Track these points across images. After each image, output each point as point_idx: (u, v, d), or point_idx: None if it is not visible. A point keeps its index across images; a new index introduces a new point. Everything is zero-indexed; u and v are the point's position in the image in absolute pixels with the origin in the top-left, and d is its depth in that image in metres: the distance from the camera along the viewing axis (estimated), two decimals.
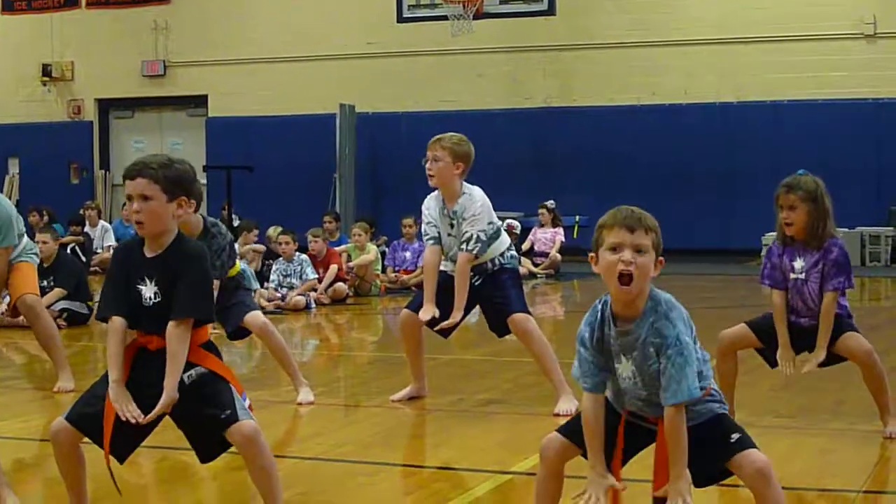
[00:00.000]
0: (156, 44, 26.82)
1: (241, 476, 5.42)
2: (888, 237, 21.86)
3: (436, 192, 8.21)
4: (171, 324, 4.83)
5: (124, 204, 5.00)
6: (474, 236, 7.97)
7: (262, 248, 17.01)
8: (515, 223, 20.85)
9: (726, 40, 23.09)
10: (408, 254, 18.07)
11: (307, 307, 15.16)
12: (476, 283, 8.09)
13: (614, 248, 4.31)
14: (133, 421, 4.84)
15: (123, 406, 4.84)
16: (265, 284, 15.51)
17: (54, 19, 27.31)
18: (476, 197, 8.06)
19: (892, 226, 22.01)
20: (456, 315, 8.02)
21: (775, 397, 8.45)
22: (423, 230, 8.28)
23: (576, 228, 22.16)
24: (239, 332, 8.39)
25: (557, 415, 7.85)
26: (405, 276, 17.73)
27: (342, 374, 10.82)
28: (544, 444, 4.65)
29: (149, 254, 4.95)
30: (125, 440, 4.99)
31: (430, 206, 8.22)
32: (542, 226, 21.28)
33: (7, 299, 8.91)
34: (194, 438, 5.01)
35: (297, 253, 15.56)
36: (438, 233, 8.16)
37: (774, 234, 7.32)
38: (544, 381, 8.38)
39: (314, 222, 17.93)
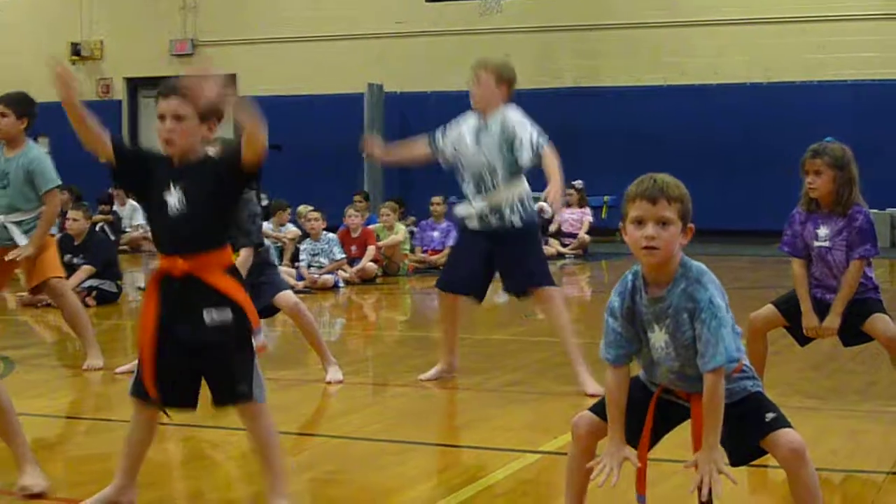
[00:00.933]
0: (184, 23, 26.85)
1: None
2: None
3: (472, 112, 8.19)
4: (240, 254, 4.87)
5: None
6: (535, 136, 8.00)
7: (297, 232, 16.99)
8: (547, 208, 20.79)
9: (756, 20, 22.98)
10: (436, 233, 18.07)
11: (335, 286, 15.18)
12: (493, 224, 8.05)
13: (639, 222, 4.26)
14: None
15: None
16: (296, 264, 15.53)
17: None
18: (511, 111, 8.07)
19: None
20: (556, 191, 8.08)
21: (804, 378, 8.43)
22: (438, 130, 8.30)
23: (604, 209, 22.13)
24: (268, 310, 8.40)
25: (588, 394, 7.82)
26: (433, 256, 17.74)
27: (371, 353, 10.83)
28: (575, 422, 4.63)
29: (177, 164, 4.99)
30: (176, 388, 4.99)
31: (460, 119, 8.23)
32: (569, 206, 21.24)
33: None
34: (210, 382, 5.02)
35: (325, 232, 15.55)
36: (444, 144, 8.22)
37: None
38: (569, 361, 8.37)
39: (343, 201, 17.93)
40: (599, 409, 4.57)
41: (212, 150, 7.47)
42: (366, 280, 15.84)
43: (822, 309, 7.12)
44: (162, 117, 4.97)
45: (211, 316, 4.86)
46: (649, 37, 23.57)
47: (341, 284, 15.31)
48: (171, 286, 4.92)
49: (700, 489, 4.29)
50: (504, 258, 8.11)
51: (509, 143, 8.00)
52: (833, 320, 7.02)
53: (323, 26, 25.35)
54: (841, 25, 22.48)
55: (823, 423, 7.15)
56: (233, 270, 5.00)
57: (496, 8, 21.98)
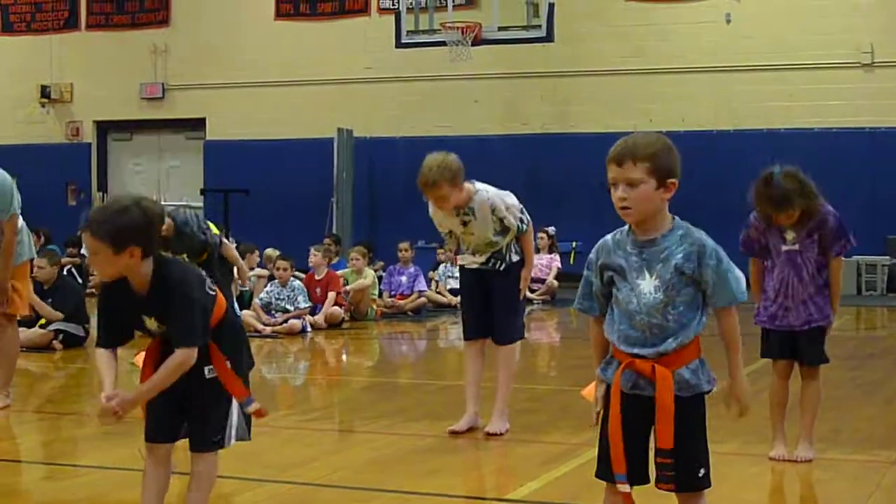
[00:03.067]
0: (155, 66, 26.86)
1: (239, 502, 5.40)
2: (884, 266, 21.88)
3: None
4: (176, 352, 4.95)
5: None
6: (521, 218, 8.32)
7: (265, 272, 17.00)
8: None
9: (723, 68, 23.15)
10: (403, 278, 18.09)
11: (303, 331, 15.16)
12: (499, 268, 8.28)
13: (613, 184, 4.43)
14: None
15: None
16: (253, 300, 15.59)
17: (53, 41, 27.35)
18: (487, 193, 8.25)
19: (889, 255, 22.03)
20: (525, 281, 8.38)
21: (769, 426, 8.43)
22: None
23: (572, 255, 22.19)
24: None
25: (489, 434, 7.98)
26: (401, 301, 17.77)
27: (337, 398, 10.81)
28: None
29: (140, 292, 5.04)
30: (161, 426, 5.17)
31: (436, 211, 8.34)
32: (538, 251, 21.28)
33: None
34: (191, 427, 5.18)
35: (292, 278, 15.57)
36: (449, 230, 8.39)
37: None
38: (539, 407, 8.42)
39: (311, 246, 17.94)
40: (602, 473, 4.57)
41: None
42: (333, 325, 15.83)
43: (784, 339, 7.19)
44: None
45: (210, 370, 5.08)
46: (618, 84, 23.71)
47: (308, 329, 15.30)
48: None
49: (663, 461, 4.42)
50: (497, 299, 8.32)
51: (501, 223, 8.26)
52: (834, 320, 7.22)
53: (293, 71, 25.40)
54: (808, 74, 22.66)
55: (788, 471, 7.16)
56: (226, 340, 5.16)
57: (465, 54, 22.06)
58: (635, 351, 4.45)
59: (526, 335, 9.56)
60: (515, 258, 8.31)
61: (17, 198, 9.06)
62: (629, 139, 4.47)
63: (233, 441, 5.19)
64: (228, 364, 5.11)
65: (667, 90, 23.41)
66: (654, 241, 4.45)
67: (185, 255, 9.84)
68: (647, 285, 4.44)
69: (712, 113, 23.20)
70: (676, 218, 4.50)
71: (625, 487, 4.47)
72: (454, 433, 8.18)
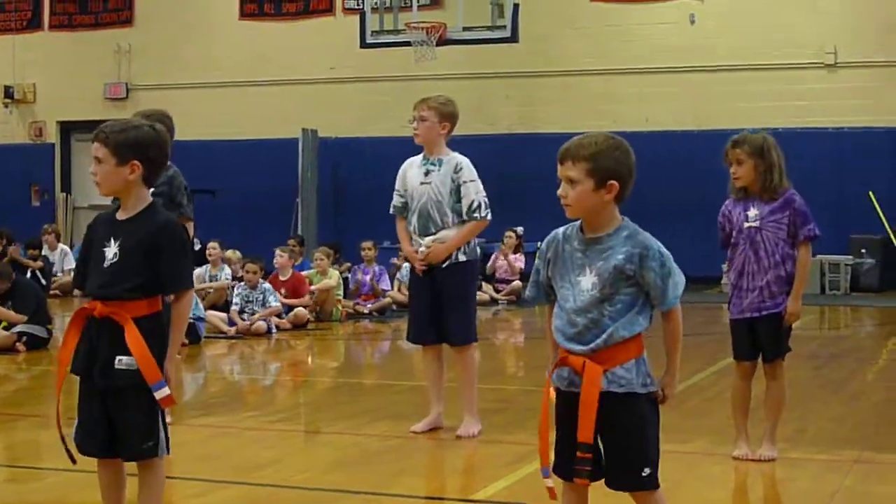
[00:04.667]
0: (118, 66, 26.74)
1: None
2: (847, 265, 21.96)
3: (415, 157, 8.27)
4: (173, 303, 4.95)
5: None
6: (481, 203, 8.08)
7: (225, 284, 16.92)
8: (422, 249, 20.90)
9: (687, 69, 23.20)
10: (368, 277, 18.07)
11: (268, 332, 15.13)
12: (443, 266, 8.10)
13: (560, 181, 4.54)
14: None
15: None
16: (230, 307, 15.51)
17: (16, 41, 27.17)
18: (468, 163, 8.16)
19: (852, 254, 22.13)
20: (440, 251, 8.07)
21: (733, 426, 8.47)
22: (393, 201, 8.32)
23: (537, 255, 22.19)
24: None
25: (460, 437, 7.94)
26: (365, 301, 17.77)
27: (302, 399, 10.79)
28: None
29: (120, 216, 5.03)
30: (90, 434, 5.02)
31: (406, 168, 8.29)
32: (503, 251, 21.32)
33: None
34: (119, 434, 5.02)
35: (261, 281, 15.53)
36: (404, 202, 8.22)
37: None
38: (506, 407, 8.43)
39: (277, 246, 17.91)
40: (559, 472, 4.60)
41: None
42: (298, 325, 15.80)
43: (744, 332, 7.22)
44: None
45: (120, 360, 4.90)
46: (583, 85, 23.74)
47: (274, 330, 15.26)
48: (91, 327, 4.97)
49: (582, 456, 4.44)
50: (449, 301, 8.17)
51: (457, 191, 8.09)
52: (795, 305, 7.17)
53: (258, 71, 25.34)
54: (771, 74, 22.73)
55: (752, 470, 7.18)
56: (152, 319, 4.98)
57: (430, 55, 22.03)
58: (570, 346, 4.50)
59: (497, 336, 9.55)
60: (462, 258, 8.16)
61: None
62: (575, 139, 4.57)
63: (165, 452, 5.02)
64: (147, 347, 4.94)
65: (631, 91, 23.45)
66: (599, 240, 4.51)
67: None
68: (586, 282, 4.49)
69: (677, 113, 23.25)
70: (626, 219, 4.56)
71: (548, 482, 4.54)
72: (415, 433, 8.18)
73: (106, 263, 4.96)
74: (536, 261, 4.69)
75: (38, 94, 27.38)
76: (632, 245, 4.47)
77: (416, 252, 8.12)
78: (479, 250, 8.48)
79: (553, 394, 4.59)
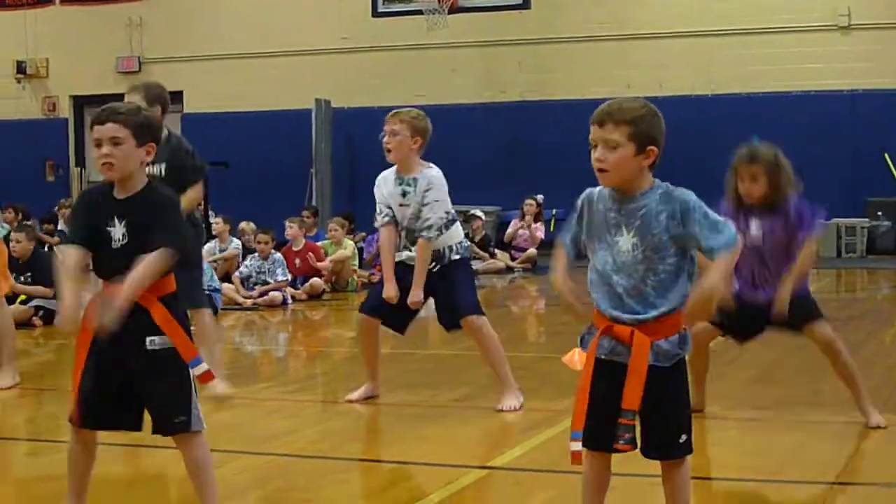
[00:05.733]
0: (130, 40, 26.73)
1: (220, 474, 5.38)
2: (863, 228, 21.92)
3: (388, 170, 8.20)
4: (157, 250, 4.79)
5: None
6: (434, 224, 7.97)
7: (236, 252, 16.90)
8: (480, 213, 20.98)
9: (700, 33, 23.11)
10: None
11: (283, 302, 15.15)
12: (433, 270, 8.05)
13: (594, 146, 4.40)
14: (74, 326, 4.85)
15: (70, 319, 4.86)
16: (237, 272, 15.56)
17: (28, 16, 27.18)
18: (439, 180, 8.04)
19: (868, 217, 22.08)
20: (416, 293, 7.97)
21: (750, 390, 8.46)
22: (377, 211, 8.21)
23: (552, 222, 22.18)
24: None
25: (501, 410, 7.88)
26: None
27: (319, 370, 10.81)
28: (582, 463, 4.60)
29: (119, 195, 4.97)
30: (99, 408, 4.98)
31: (381, 184, 8.19)
32: (523, 218, 21.33)
33: None
34: (150, 410, 4.99)
35: (273, 252, 15.56)
36: (390, 214, 8.13)
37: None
38: (522, 374, 8.41)
39: (292, 217, 17.93)
40: (592, 441, 4.53)
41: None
42: (314, 296, 15.81)
43: (752, 310, 7.15)
44: (98, 143, 4.93)
45: (153, 341, 4.86)
46: (595, 51, 23.66)
47: (289, 301, 15.28)
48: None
49: (624, 423, 4.38)
50: (437, 289, 8.12)
51: (422, 200, 8.04)
52: (784, 293, 7.00)
53: (270, 43, 25.30)
54: (785, 37, 22.65)
55: (769, 435, 7.17)
56: (170, 300, 4.97)
57: (442, 23, 22.01)
58: (615, 314, 4.42)
59: (514, 303, 9.52)
60: (455, 257, 8.08)
61: None
62: (614, 102, 4.44)
63: (202, 425, 5.00)
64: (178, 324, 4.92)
65: (645, 56, 23.37)
66: (633, 198, 4.42)
67: None
68: (625, 242, 4.41)
69: (691, 78, 23.16)
70: (657, 179, 4.47)
71: (576, 445, 4.45)
72: (350, 402, 8.24)
73: (115, 245, 4.90)
74: (573, 213, 4.60)
75: (50, 69, 27.38)
76: (667, 202, 4.38)
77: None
78: (469, 249, 8.41)
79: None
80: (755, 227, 7.08)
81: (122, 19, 26.60)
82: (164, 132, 8.01)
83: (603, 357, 4.45)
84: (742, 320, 7.20)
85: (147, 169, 5.13)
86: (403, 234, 8.14)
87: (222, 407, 8.27)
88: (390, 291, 8.05)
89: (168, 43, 26.28)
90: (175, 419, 4.94)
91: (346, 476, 6.35)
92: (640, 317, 4.38)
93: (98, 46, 26.59)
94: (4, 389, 8.99)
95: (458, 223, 8.23)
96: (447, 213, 8.04)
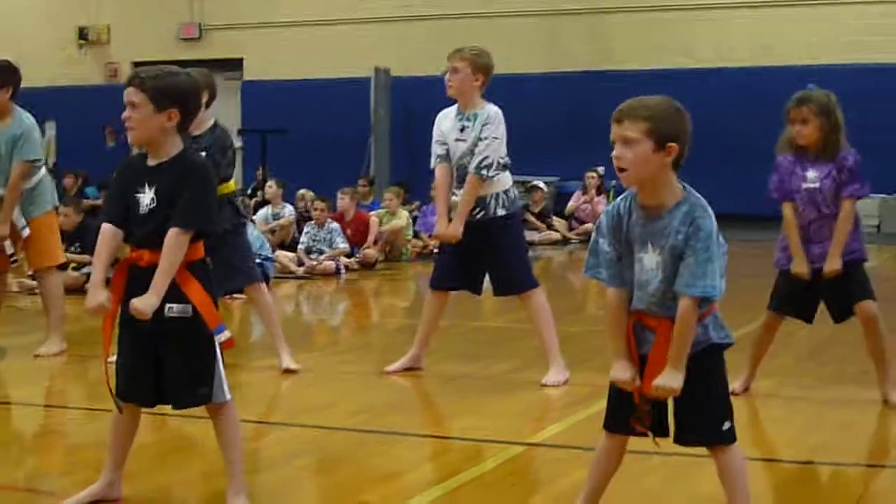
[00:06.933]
0: (192, 7, 26.75)
1: (245, 447, 5.33)
2: None
3: (449, 107, 8.11)
4: (170, 231, 4.77)
5: None
6: (494, 162, 7.86)
7: (291, 220, 16.85)
8: (543, 185, 20.89)
9: (764, 3, 22.83)
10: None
11: (336, 272, 15.12)
12: (476, 217, 7.93)
13: (614, 144, 4.31)
14: (102, 305, 4.83)
15: (97, 297, 4.84)
16: (298, 248, 15.52)
17: None
18: (499, 117, 7.93)
19: None
20: (456, 227, 7.87)
21: (800, 368, 8.33)
22: (432, 150, 8.15)
23: (610, 193, 22.02)
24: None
25: (545, 385, 7.81)
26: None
27: (366, 341, 10.76)
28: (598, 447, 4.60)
29: (151, 162, 4.94)
30: (137, 381, 4.97)
31: (441, 120, 8.12)
32: (585, 191, 21.22)
33: (25, 230, 8.99)
34: (170, 381, 4.94)
35: (329, 220, 15.53)
36: (447, 150, 8.04)
37: None
38: (569, 349, 8.32)
39: (348, 186, 17.90)
40: (611, 424, 4.56)
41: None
42: (367, 265, 15.78)
43: (797, 284, 7.08)
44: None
45: (171, 308, 4.80)
46: (659, 21, 23.41)
47: (342, 270, 15.25)
48: (136, 276, 4.87)
49: (643, 413, 4.36)
50: (489, 256, 8.03)
51: (478, 134, 7.93)
52: (834, 262, 6.98)
53: (330, 10, 25.24)
54: (849, 9, 22.32)
55: (816, 413, 7.06)
56: (199, 266, 4.91)
57: None
58: (643, 310, 4.40)
59: (569, 275, 9.40)
60: (501, 212, 7.95)
61: (39, 147, 9.00)
62: (633, 99, 4.35)
63: (227, 395, 4.95)
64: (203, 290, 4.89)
65: (708, 26, 23.10)
66: (659, 216, 4.31)
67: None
68: (650, 259, 4.34)
69: (753, 49, 22.88)
70: (688, 189, 4.35)
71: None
72: (388, 373, 8.24)
73: (143, 210, 4.88)
74: (598, 238, 4.49)
75: (112, 35, 27.47)
76: (686, 222, 4.25)
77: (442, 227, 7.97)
78: (519, 201, 8.27)
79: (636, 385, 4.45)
80: (811, 175, 7.01)
81: None
82: (212, 122, 8.05)
83: (641, 353, 4.41)
84: (798, 295, 7.11)
85: None
86: (457, 172, 8.03)
87: (267, 378, 8.25)
88: (441, 228, 7.99)
89: (229, 10, 26.29)
90: (197, 390, 4.90)
91: (380, 449, 6.28)
92: (668, 314, 4.32)
93: (159, 13, 26.66)
94: (52, 356, 9.00)
95: (508, 171, 8.08)
96: (503, 157, 7.94)
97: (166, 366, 4.91)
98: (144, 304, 4.71)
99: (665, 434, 4.46)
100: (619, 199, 4.46)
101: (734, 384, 7.18)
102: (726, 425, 4.39)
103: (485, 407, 7.26)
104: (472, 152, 7.88)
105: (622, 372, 4.39)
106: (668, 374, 4.26)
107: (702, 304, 4.27)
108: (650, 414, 4.38)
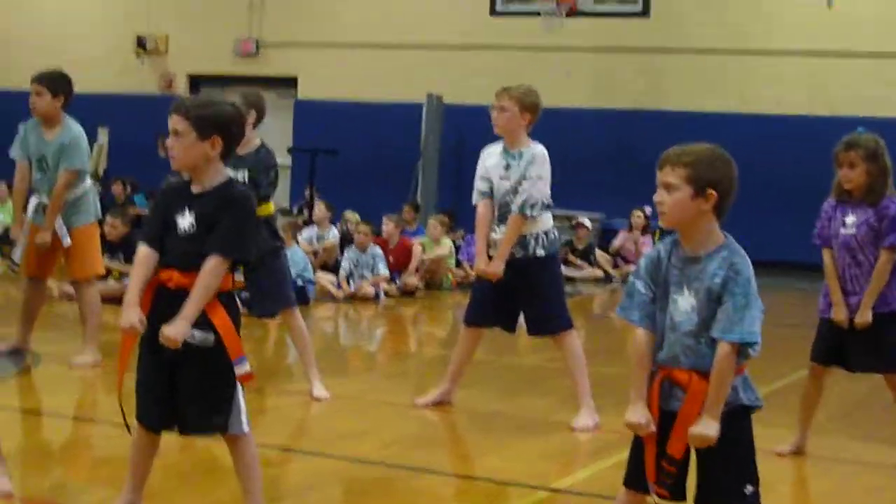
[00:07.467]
0: (250, 22, 26.87)
1: (269, 473, 5.34)
2: None
3: (495, 143, 8.11)
4: (209, 258, 4.80)
5: None
6: (536, 202, 7.86)
7: (334, 243, 16.82)
8: (588, 222, 20.85)
9: (820, 52, 22.72)
10: None
11: (376, 297, 15.11)
12: (515, 256, 7.91)
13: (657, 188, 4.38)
14: (134, 327, 4.83)
15: (130, 318, 4.84)
16: (342, 269, 15.51)
17: None
18: (544, 157, 7.92)
19: None
20: (497, 264, 7.87)
21: (832, 426, 8.24)
22: (475, 185, 8.13)
23: (657, 234, 21.95)
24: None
25: (575, 429, 7.77)
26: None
27: (402, 370, 10.74)
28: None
29: (195, 189, 4.98)
30: (154, 405, 4.99)
31: (485, 156, 8.11)
32: (630, 230, 21.16)
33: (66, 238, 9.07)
34: (186, 406, 4.95)
35: (372, 244, 15.51)
36: (490, 186, 8.03)
37: None
38: (602, 392, 8.28)
39: (395, 210, 17.91)
40: (631, 481, 4.52)
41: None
42: (407, 293, 15.77)
43: (835, 332, 7.05)
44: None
45: (192, 335, 4.81)
46: (712, 63, 23.32)
47: (382, 296, 15.24)
48: (163, 297, 4.90)
49: (668, 475, 4.31)
50: (526, 295, 8.02)
51: (522, 174, 7.92)
52: (864, 314, 6.96)
53: (387, 34, 25.29)
54: None
55: (844, 475, 7.00)
56: (227, 295, 4.93)
57: (559, 25, 21.88)
58: (670, 365, 4.38)
59: (611, 314, 9.35)
60: (541, 252, 7.95)
61: (86, 157, 9.08)
62: (678, 146, 4.41)
63: (245, 427, 4.97)
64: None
65: (762, 72, 23.00)
66: (697, 259, 4.35)
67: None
68: (685, 302, 4.35)
69: (808, 97, 22.77)
70: (728, 237, 4.39)
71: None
72: (418, 406, 8.24)
73: (181, 233, 4.91)
74: (632, 279, 4.52)
75: (169, 45, 27.63)
76: (725, 267, 4.28)
77: (486, 264, 7.97)
78: (559, 241, 8.27)
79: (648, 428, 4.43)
80: (850, 220, 6.99)
81: (243, 1, 26.76)
82: (258, 141, 8.06)
83: (665, 409, 4.39)
84: (837, 343, 7.07)
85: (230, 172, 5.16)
86: (498, 210, 8.02)
87: (298, 403, 8.24)
88: (481, 265, 8.01)
89: (287, 28, 26.38)
90: (212, 418, 4.92)
91: (403, 485, 6.27)
92: (696, 363, 4.30)
93: (218, 26, 26.77)
94: (87, 366, 9.05)
95: (550, 213, 8.08)
96: (546, 197, 7.93)
97: (182, 390, 4.92)
98: (176, 332, 4.73)
99: (682, 498, 4.43)
100: (660, 243, 4.50)
101: (783, 446, 7.15)
102: (749, 489, 4.36)
103: (512, 447, 7.24)
104: (515, 191, 7.88)
105: (638, 415, 4.38)
106: (704, 423, 4.25)
107: (739, 356, 4.25)
108: (675, 476, 4.35)
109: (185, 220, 4.91)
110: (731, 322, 4.24)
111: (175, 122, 4.93)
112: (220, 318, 4.86)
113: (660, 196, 4.36)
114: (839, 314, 7.01)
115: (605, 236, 22.15)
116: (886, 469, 7.17)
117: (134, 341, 4.95)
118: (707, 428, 4.24)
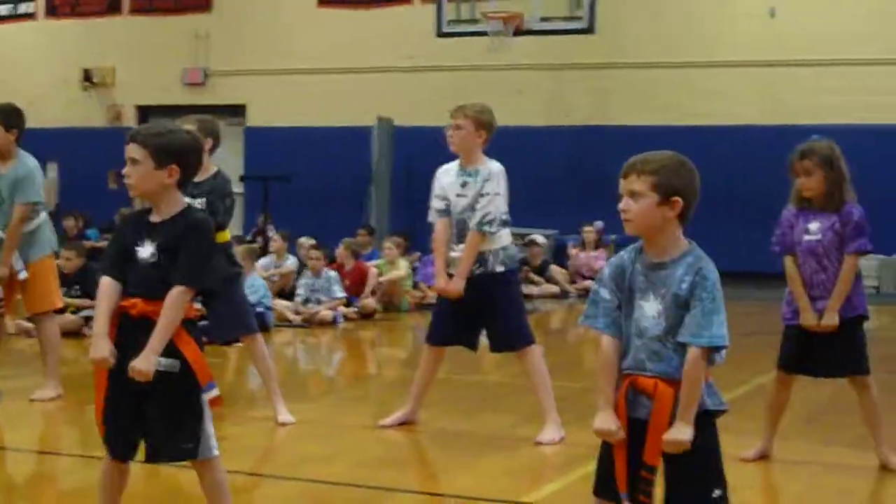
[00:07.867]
0: (196, 52, 26.82)
1: (239, 498, 5.31)
2: None
3: (450, 163, 8.11)
4: (174, 290, 4.78)
5: None
6: (496, 218, 7.86)
7: (292, 269, 16.79)
8: (542, 239, 20.90)
9: (765, 62, 22.89)
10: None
11: (334, 321, 15.09)
12: (475, 272, 7.92)
13: (621, 197, 4.40)
14: (105, 359, 4.81)
15: (100, 350, 4.82)
16: (294, 299, 15.46)
17: (97, 25, 27.32)
18: (501, 173, 7.93)
19: None
20: (458, 282, 7.87)
21: (797, 430, 8.27)
22: (430, 204, 8.13)
23: (611, 248, 22.01)
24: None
25: (540, 443, 7.77)
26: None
27: (363, 392, 10.72)
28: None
29: (154, 219, 4.96)
30: (121, 434, 4.96)
31: (441, 175, 8.11)
32: (583, 245, 21.21)
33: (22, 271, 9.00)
34: (153, 433, 4.92)
35: (325, 269, 15.49)
36: (447, 205, 8.03)
37: None
38: (567, 406, 8.28)
39: (350, 235, 17.88)
40: (601, 490, 4.52)
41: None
42: (365, 315, 15.75)
43: (802, 340, 7.07)
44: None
45: (159, 362, 4.78)
46: (660, 77, 23.47)
47: (340, 320, 15.21)
48: (126, 325, 4.87)
49: (647, 484, 4.31)
50: (487, 311, 8.02)
51: (480, 191, 7.93)
52: (831, 317, 6.98)
53: (334, 59, 25.29)
54: (852, 69, 22.37)
55: (812, 479, 7.02)
56: (190, 323, 4.92)
57: (506, 44, 21.92)
58: (636, 372, 4.38)
59: (570, 330, 9.37)
60: (500, 269, 7.95)
61: (41, 190, 9.02)
62: (642, 154, 4.44)
63: (214, 451, 4.94)
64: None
65: (709, 84, 23.15)
66: (663, 265, 4.37)
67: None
68: (650, 308, 4.36)
69: (754, 108, 22.93)
70: (693, 244, 4.41)
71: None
72: (382, 427, 8.20)
73: (142, 262, 4.89)
74: (595, 286, 4.52)
75: (116, 78, 27.53)
76: (692, 272, 4.30)
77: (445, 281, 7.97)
78: (517, 257, 8.30)
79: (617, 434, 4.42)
80: (814, 227, 7.02)
81: (189, 31, 26.69)
82: (214, 168, 8.06)
83: (631, 416, 4.39)
84: (804, 349, 7.09)
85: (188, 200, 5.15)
86: (456, 228, 8.03)
87: (262, 429, 8.21)
88: (441, 283, 8.01)
89: (234, 56, 26.34)
90: (181, 444, 4.89)
91: None
92: (662, 372, 4.31)
93: (164, 57, 26.70)
94: (48, 400, 8.98)
95: (508, 229, 8.08)
96: (504, 213, 7.94)
97: (151, 418, 4.88)
98: (147, 365, 4.72)
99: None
100: (624, 251, 4.51)
101: (748, 451, 7.17)
102: (717, 493, 4.37)
103: (480, 463, 7.23)
104: (472, 208, 7.89)
105: (607, 422, 4.38)
106: (677, 427, 4.26)
107: (708, 360, 4.27)
108: (653, 484, 4.35)
109: (146, 250, 4.89)
110: (700, 326, 4.25)
111: (132, 150, 4.90)
112: (187, 345, 4.84)
113: (625, 204, 4.38)
114: (809, 318, 7.02)
115: (559, 252, 22.23)
116: (854, 471, 7.20)
117: (105, 373, 4.92)
118: (681, 433, 4.25)
